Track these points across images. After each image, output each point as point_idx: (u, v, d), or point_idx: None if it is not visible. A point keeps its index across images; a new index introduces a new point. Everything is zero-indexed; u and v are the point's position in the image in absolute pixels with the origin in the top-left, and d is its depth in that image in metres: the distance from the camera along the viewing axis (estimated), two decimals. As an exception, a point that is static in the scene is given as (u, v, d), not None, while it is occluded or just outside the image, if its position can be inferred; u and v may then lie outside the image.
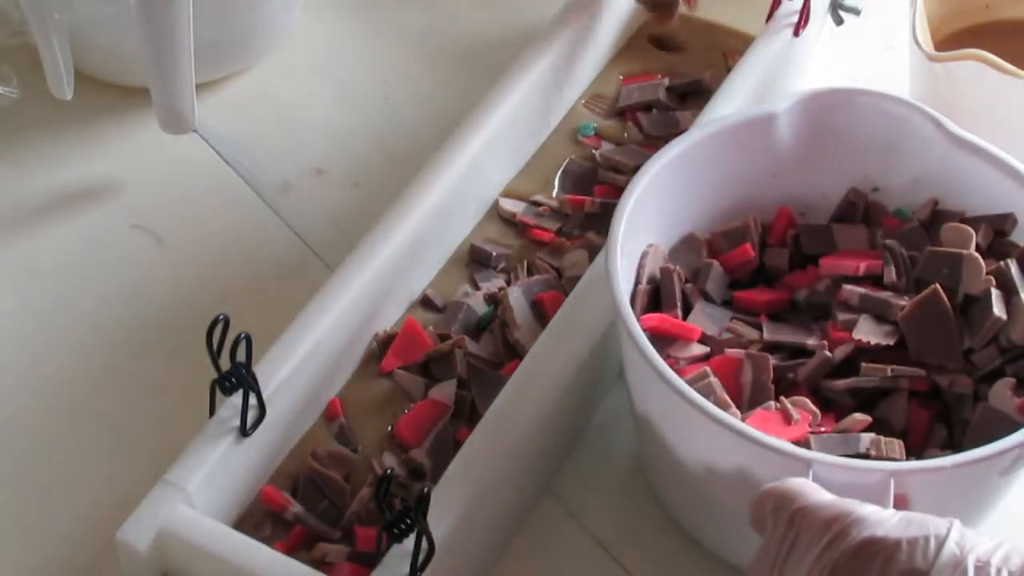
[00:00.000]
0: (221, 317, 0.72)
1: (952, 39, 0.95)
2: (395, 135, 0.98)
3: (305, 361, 0.77)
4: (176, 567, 0.72)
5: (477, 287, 0.86)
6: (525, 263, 0.87)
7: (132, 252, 0.91)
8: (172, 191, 0.94)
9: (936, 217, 0.80)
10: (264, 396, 0.75)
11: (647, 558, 0.78)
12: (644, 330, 0.71)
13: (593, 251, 0.86)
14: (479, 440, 0.75)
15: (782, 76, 0.94)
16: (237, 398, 0.74)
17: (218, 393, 0.74)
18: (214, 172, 0.95)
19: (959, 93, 0.89)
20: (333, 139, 0.97)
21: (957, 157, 0.79)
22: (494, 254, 0.88)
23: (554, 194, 0.91)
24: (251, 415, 0.74)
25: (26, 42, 0.94)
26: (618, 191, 0.89)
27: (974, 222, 0.78)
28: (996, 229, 0.78)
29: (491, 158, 0.89)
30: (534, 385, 0.77)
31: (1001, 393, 0.72)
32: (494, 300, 0.85)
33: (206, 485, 0.73)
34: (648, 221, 0.77)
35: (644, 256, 0.78)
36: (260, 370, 0.75)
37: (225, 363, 0.73)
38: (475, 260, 0.88)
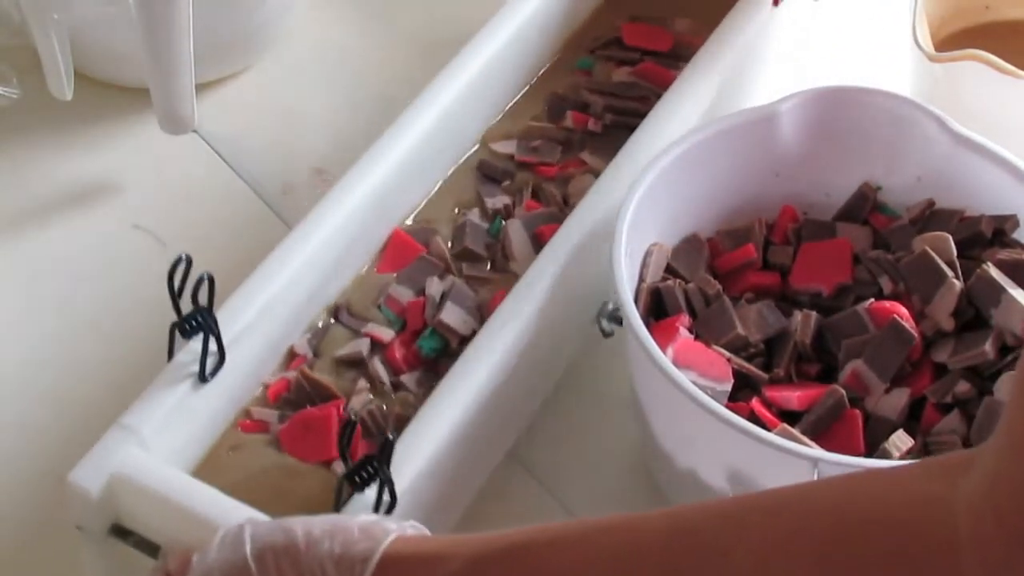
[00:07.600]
0: (183, 257, 0.69)
1: (952, 39, 0.95)
2: (395, 135, 0.97)
3: (268, 307, 0.75)
4: (128, 512, 0.69)
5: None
6: (531, 185, 0.87)
7: (132, 252, 0.91)
8: (172, 191, 0.94)
9: (932, 216, 0.80)
10: (224, 342, 0.72)
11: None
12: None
13: (598, 175, 0.84)
14: (447, 387, 0.72)
15: (761, 46, 0.93)
16: (197, 343, 0.71)
17: (178, 337, 0.71)
18: (214, 172, 0.95)
19: (959, 93, 0.89)
20: (333, 139, 0.97)
21: (960, 156, 0.79)
22: (502, 168, 0.87)
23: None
24: (211, 361, 0.72)
25: (26, 42, 0.94)
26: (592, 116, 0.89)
27: (974, 219, 0.78)
28: (997, 228, 0.78)
29: (471, 105, 0.88)
30: (508, 323, 0.75)
31: (1007, 387, 0.72)
32: (498, 215, 0.85)
33: (162, 430, 0.70)
34: (651, 220, 0.77)
35: (648, 255, 0.77)
36: (221, 316, 0.73)
37: (187, 307, 0.70)
38: (484, 174, 0.87)
